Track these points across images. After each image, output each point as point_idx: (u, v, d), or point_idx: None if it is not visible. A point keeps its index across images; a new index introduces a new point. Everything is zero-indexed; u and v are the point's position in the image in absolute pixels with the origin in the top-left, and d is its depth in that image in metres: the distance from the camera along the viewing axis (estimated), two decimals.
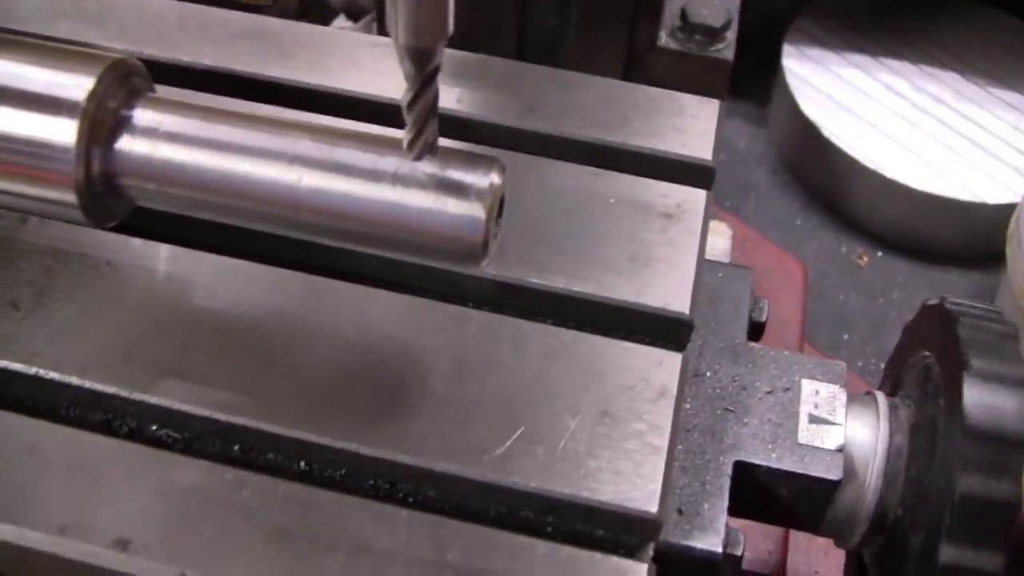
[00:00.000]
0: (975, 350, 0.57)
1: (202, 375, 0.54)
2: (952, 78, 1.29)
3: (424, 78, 0.45)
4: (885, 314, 1.17)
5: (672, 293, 0.59)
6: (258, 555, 0.49)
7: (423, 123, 0.46)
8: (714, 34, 0.97)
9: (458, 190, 0.46)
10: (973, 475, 0.53)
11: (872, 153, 1.19)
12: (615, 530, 0.52)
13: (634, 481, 0.51)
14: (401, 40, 0.44)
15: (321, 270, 0.59)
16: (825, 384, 0.61)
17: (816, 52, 1.30)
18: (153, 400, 0.53)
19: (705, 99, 0.69)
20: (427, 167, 0.47)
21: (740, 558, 0.56)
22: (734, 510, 0.61)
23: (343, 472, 0.54)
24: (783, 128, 1.29)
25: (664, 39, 0.97)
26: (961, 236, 1.19)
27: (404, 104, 0.46)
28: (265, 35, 0.70)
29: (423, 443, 0.52)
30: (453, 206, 0.46)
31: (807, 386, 0.61)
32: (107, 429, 0.53)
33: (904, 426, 0.60)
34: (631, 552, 0.52)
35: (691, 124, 0.68)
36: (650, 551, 0.53)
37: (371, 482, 0.53)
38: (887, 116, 1.24)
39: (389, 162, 0.47)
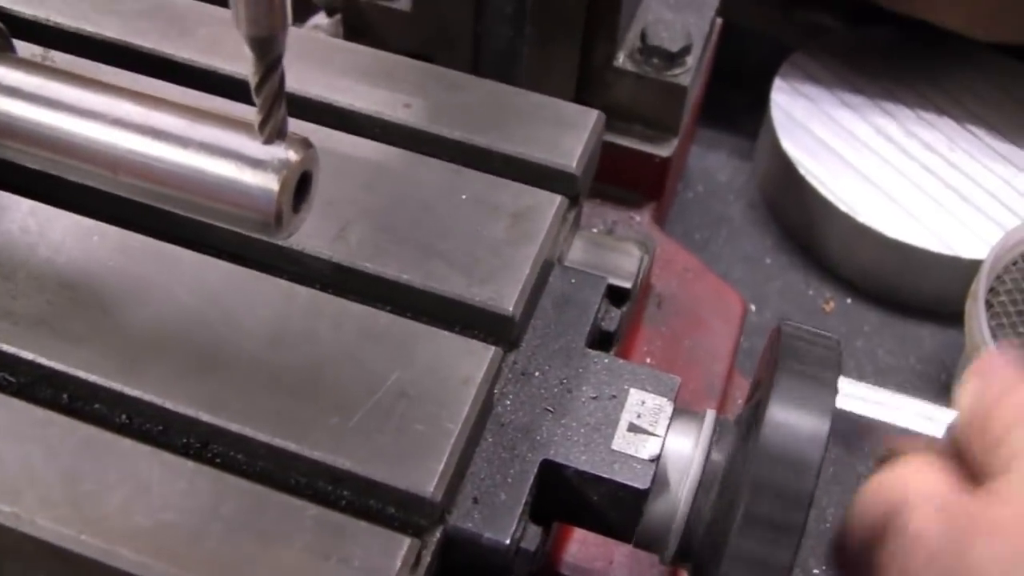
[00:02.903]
0: (786, 371, 0.62)
1: (34, 321, 0.62)
2: (948, 125, 1.33)
3: (267, 65, 0.52)
4: (843, 363, 1.19)
5: (500, 290, 0.65)
6: (48, 489, 0.56)
7: (270, 107, 0.53)
8: (671, 58, 1.04)
9: (256, 163, 0.53)
10: (756, 502, 0.58)
11: (846, 195, 1.23)
12: (402, 509, 0.58)
13: (416, 460, 0.58)
14: (242, 30, 0.51)
15: (177, 239, 0.67)
16: (653, 396, 0.66)
17: (809, 88, 1.35)
18: None
19: (587, 109, 0.76)
20: (235, 140, 0.54)
21: (534, 553, 0.62)
22: (549, 513, 0.66)
23: (160, 428, 0.61)
24: (765, 163, 1.34)
25: (622, 60, 1.04)
26: (934, 289, 1.22)
27: (252, 89, 0.53)
28: (172, 13, 0.78)
29: (226, 404, 0.59)
30: (250, 176, 0.53)
31: (634, 395, 0.66)
32: None
33: (727, 445, 0.65)
34: (419, 533, 0.58)
35: (565, 132, 0.74)
36: (437, 534, 0.59)
37: (184, 440, 0.60)
38: (871, 159, 1.28)
39: (200, 131, 0.54)
